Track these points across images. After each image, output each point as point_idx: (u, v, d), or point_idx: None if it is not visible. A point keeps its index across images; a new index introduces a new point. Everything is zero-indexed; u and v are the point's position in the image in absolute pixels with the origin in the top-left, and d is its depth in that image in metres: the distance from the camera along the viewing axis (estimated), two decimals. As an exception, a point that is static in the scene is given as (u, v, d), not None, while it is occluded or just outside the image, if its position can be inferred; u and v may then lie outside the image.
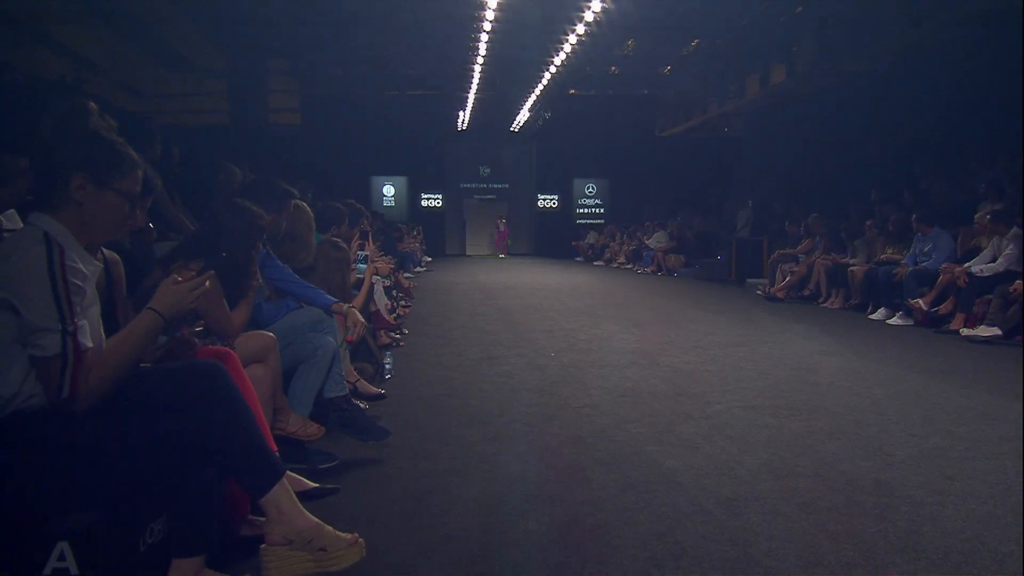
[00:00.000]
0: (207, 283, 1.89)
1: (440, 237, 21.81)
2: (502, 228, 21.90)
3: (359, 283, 4.88)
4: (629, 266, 16.38)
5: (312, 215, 3.75)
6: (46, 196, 1.80)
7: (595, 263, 18.35)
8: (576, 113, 19.10)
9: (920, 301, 7.18)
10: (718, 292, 11.32)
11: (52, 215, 1.79)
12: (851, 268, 8.61)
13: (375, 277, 5.15)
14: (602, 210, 22.45)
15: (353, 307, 3.23)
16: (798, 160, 14.86)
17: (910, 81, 11.38)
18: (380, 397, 3.97)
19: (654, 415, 3.94)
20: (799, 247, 10.16)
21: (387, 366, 4.69)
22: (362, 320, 3.18)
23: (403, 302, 8.03)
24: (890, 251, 8.31)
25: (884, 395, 4.37)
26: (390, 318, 6.05)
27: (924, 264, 7.55)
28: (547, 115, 18.85)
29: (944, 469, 3.03)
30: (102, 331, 1.85)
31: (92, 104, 1.86)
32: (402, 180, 21.53)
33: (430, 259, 16.79)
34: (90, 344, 1.74)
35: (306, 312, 3.18)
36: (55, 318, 1.67)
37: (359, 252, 4.89)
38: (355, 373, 3.89)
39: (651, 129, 20.00)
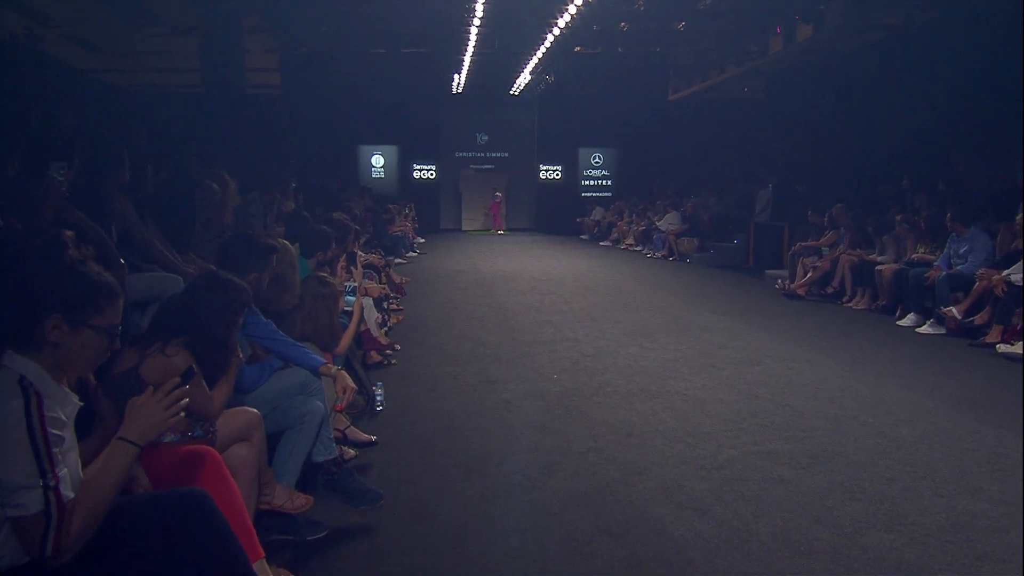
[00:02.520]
0: (184, 400, 1.90)
1: (434, 211, 21.71)
2: (496, 200, 21.70)
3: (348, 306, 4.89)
4: (638, 248, 16.36)
5: (295, 253, 3.74)
6: (20, 336, 1.81)
7: (601, 243, 18.34)
8: (582, 75, 18.85)
9: (953, 309, 7.19)
10: (734, 285, 11.33)
11: (27, 355, 1.81)
12: (879, 267, 8.60)
13: (364, 299, 5.16)
14: (609, 182, 22.31)
15: (342, 370, 3.25)
16: (823, 136, 14.74)
17: (954, 38, 10.93)
18: (371, 444, 4.01)
19: (663, 464, 3.99)
20: (822, 239, 10.14)
21: (378, 397, 4.70)
22: (352, 386, 3.20)
23: (395, 305, 8.04)
24: (921, 250, 8.30)
25: (910, 436, 4.41)
26: (381, 333, 6.07)
27: (959, 267, 7.55)
28: (549, 79, 18.60)
29: (974, 544, 3.08)
30: (80, 471, 1.87)
31: (68, 233, 1.86)
32: (392, 149, 21.35)
33: (423, 240, 16.76)
34: (72, 494, 1.77)
35: (292, 373, 3.20)
36: (36, 474, 1.69)
37: (346, 284, 4.89)
38: (344, 419, 3.92)
39: (663, 93, 19.77)
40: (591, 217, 20.13)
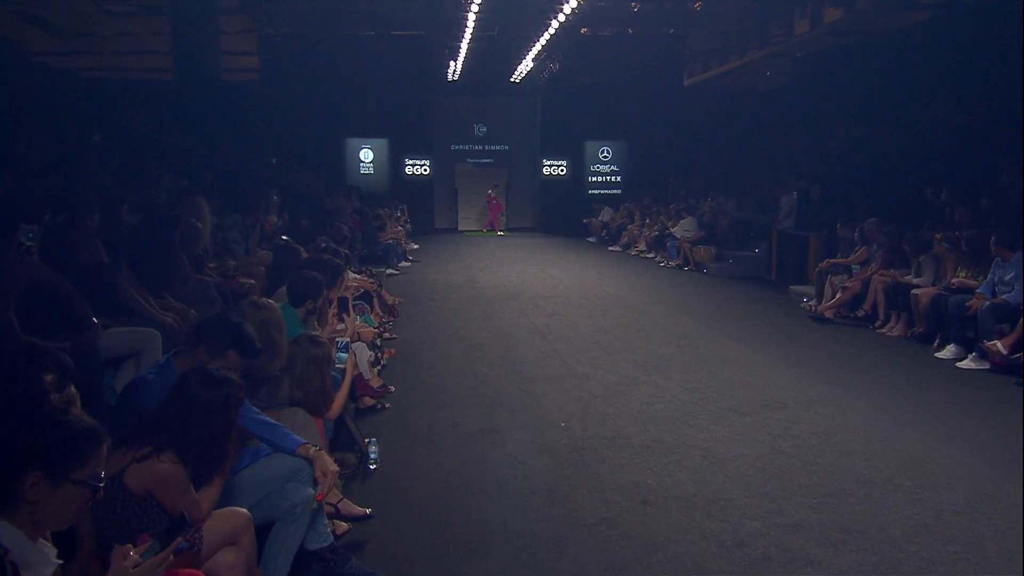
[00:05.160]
0: (171, 556, 1.94)
1: (428, 209, 21.74)
2: (495, 201, 21.68)
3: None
4: (650, 255, 16.40)
5: (280, 313, 3.76)
6: None
7: (610, 248, 18.37)
8: (589, 60, 18.84)
9: (998, 343, 7.19)
10: (756, 302, 11.37)
11: (1, 517, 1.82)
12: (915, 291, 8.62)
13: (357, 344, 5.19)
14: (619, 178, 22.32)
15: (322, 450, 3.28)
16: (853, 132, 14.75)
17: (1008, 23, 10.56)
18: (365, 517, 4.03)
19: (680, 539, 4.01)
20: (852, 256, 10.15)
21: (372, 455, 4.75)
22: (334, 468, 3.24)
23: (388, 332, 8.06)
24: (963, 274, 8.29)
25: (951, 504, 4.43)
26: (373, 374, 6.10)
27: (1004, 296, 7.55)
28: (554, 66, 18.59)
29: (1019, 648, 3.11)
30: None
31: (48, 377, 1.88)
32: (382, 143, 21.36)
33: (416, 246, 16.75)
34: None
35: (283, 458, 3.23)
36: None
37: (338, 340, 4.91)
38: (337, 492, 3.95)
39: (678, 80, 19.80)
40: (599, 218, 20.15)
